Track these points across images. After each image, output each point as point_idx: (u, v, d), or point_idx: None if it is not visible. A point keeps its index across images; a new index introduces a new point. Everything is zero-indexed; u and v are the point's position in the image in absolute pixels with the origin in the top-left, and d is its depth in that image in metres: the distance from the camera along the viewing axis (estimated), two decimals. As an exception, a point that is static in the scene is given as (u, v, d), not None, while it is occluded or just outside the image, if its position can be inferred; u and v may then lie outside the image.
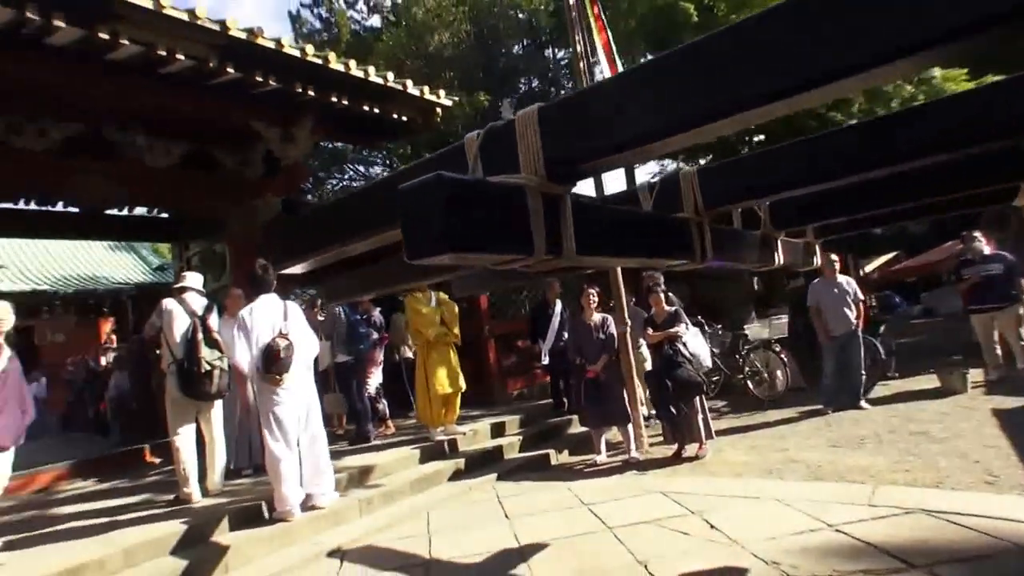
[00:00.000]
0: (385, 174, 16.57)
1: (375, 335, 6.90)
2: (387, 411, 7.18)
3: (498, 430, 6.81)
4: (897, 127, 1.83)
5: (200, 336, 4.68)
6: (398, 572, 3.64)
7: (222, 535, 4.19)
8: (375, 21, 17.79)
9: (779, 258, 2.57)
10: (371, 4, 17.33)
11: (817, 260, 3.10)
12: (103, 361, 11.98)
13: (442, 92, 8.47)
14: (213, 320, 4.94)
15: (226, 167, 7.76)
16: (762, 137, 11.83)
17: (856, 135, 2.05)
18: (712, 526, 3.60)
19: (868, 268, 21.37)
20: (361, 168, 17.64)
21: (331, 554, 4.01)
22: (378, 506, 4.85)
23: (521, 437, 6.64)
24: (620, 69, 6.83)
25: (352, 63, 7.13)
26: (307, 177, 8.75)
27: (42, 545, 3.99)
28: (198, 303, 4.92)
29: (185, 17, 5.27)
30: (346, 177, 17.52)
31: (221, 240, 8.28)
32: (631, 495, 4.49)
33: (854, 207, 2.45)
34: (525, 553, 3.59)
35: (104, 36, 4.92)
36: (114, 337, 13.94)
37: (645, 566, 3.15)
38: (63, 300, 15.86)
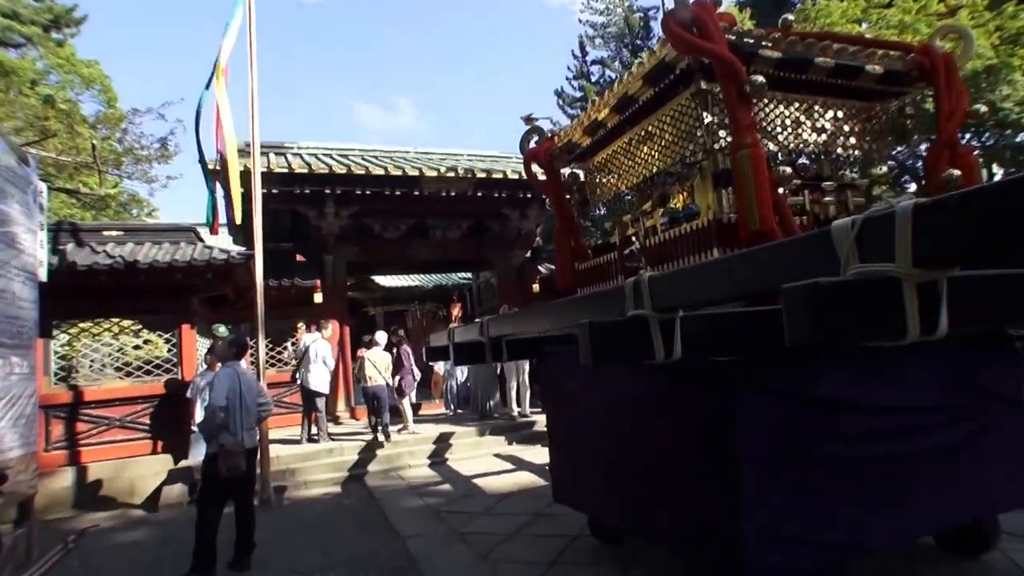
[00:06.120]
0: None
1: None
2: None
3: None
4: None
5: None
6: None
7: (455, 439, 8.94)
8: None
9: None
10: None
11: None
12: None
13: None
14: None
15: (492, 231, 12.68)
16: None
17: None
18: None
19: None
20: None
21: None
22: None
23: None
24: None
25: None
26: (535, 239, 13.30)
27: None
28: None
29: (453, 175, 10.16)
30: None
31: (493, 275, 13.31)
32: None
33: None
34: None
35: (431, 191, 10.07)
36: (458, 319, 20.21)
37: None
38: (427, 293, 23.18)
